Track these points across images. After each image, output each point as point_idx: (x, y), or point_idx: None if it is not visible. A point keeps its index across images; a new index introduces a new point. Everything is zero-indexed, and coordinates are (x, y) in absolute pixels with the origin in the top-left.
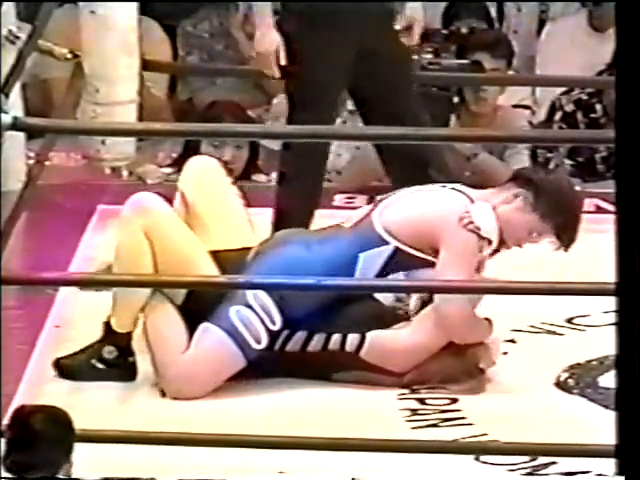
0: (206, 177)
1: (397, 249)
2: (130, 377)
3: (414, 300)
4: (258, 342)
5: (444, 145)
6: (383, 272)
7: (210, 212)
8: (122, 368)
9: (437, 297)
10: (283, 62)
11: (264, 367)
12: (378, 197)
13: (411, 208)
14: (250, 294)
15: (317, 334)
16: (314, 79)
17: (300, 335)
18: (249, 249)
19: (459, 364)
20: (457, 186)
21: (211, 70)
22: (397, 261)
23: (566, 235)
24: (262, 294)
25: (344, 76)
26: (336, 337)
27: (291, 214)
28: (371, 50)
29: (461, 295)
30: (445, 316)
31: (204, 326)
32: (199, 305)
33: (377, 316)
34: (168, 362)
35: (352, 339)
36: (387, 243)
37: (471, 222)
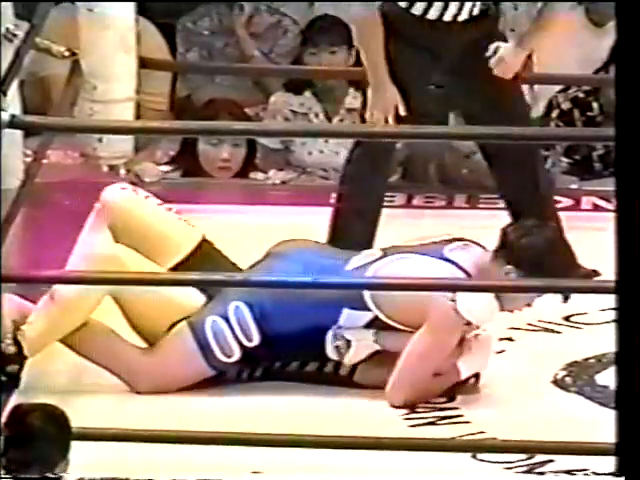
0: (123, 206)
1: (376, 317)
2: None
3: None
4: (228, 356)
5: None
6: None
7: (145, 237)
8: (15, 380)
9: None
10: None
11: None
12: (387, 248)
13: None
14: (232, 307)
15: (311, 362)
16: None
17: (295, 365)
18: (198, 246)
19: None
20: (461, 258)
21: (208, 68)
22: (377, 324)
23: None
24: (244, 309)
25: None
26: (330, 364)
27: (353, 215)
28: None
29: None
30: (390, 397)
31: (181, 326)
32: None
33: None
34: (129, 363)
35: (344, 366)
36: (369, 309)
37: (455, 310)
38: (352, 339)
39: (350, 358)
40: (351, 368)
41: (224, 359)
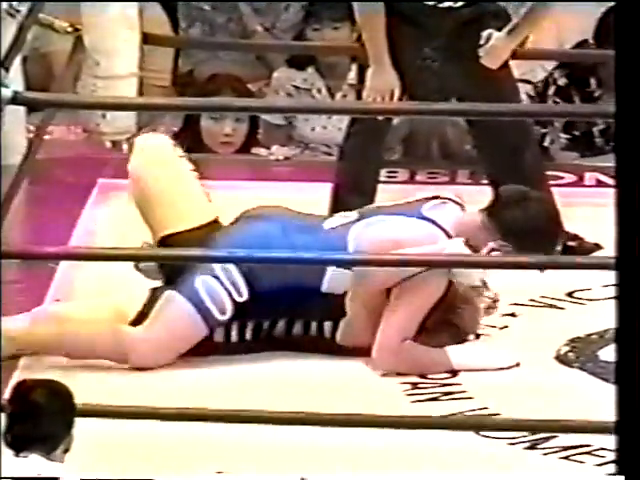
0: (155, 155)
1: None
2: None
3: None
4: (223, 313)
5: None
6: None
7: (164, 193)
8: None
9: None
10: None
11: (252, 350)
12: (364, 209)
13: (386, 238)
14: (218, 265)
15: (297, 321)
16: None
17: (281, 324)
18: (209, 224)
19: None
20: (439, 216)
21: (211, 43)
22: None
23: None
24: (230, 266)
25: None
26: (314, 325)
27: (351, 189)
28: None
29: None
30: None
31: (168, 294)
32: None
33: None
34: (123, 336)
35: (327, 326)
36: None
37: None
38: None
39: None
40: (333, 329)
41: (219, 316)
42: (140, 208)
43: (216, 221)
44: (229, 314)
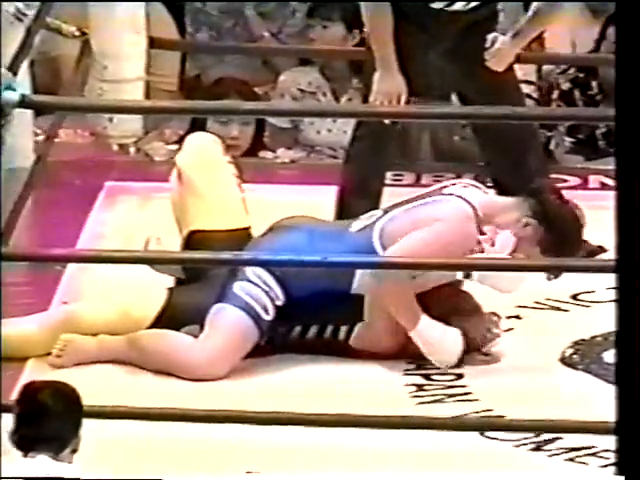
0: (204, 154)
1: None
2: None
3: None
4: (267, 313)
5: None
6: None
7: (205, 191)
8: None
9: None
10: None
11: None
12: (388, 206)
13: (415, 218)
14: (249, 271)
15: (313, 326)
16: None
17: (297, 329)
18: (239, 230)
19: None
20: (464, 193)
21: (217, 47)
22: None
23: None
24: (261, 271)
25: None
26: (330, 328)
27: (357, 192)
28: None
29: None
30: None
31: (217, 307)
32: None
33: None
34: (184, 352)
35: (344, 329)
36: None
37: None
38: None
39: None
40: (348, 332)
41: (265, 317)
42: (175, 203)
43: (247, 229)
44: (272, 315)
